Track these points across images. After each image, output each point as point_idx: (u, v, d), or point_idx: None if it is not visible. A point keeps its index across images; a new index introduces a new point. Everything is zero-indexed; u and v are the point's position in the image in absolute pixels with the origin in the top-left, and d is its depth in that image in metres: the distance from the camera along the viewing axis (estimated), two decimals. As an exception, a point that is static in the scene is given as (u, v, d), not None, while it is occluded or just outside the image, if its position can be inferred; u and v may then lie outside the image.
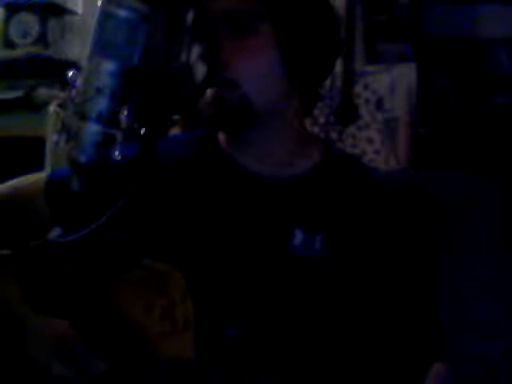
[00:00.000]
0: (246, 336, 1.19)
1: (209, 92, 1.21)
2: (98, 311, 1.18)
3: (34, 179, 1.34)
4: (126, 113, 1.00)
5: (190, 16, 1.21)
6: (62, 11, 2.90)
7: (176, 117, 1.24)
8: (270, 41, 1.23)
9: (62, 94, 1.02)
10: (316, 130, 2.60)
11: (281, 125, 1.27)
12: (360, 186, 1.28)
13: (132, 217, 1.09)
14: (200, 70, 1.18)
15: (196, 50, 1.19)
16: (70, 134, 1.00)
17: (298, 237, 1.23)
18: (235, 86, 1.21)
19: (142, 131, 1.02)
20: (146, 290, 1.17)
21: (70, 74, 1.01)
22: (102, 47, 0.99)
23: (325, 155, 1.31)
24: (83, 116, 0.99)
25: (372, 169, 1.38)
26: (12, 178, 1.35)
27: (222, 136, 1.31)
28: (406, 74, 2.59)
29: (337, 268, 1.23)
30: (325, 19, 1.26)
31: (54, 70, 2.74)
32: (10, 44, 2.84)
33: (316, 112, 2.59)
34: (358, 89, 2.60)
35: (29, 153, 2.52)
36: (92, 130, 0.99)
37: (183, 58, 1.09)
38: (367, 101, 2.60)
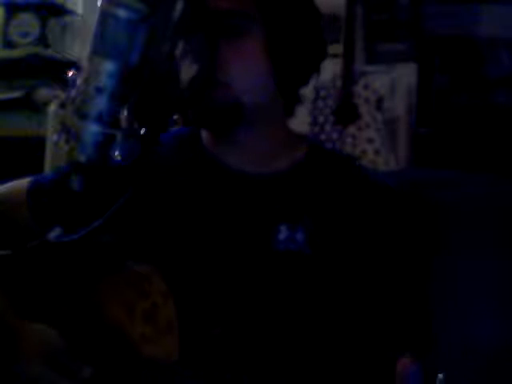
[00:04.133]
0: (231, 333, 1.19)
1: (199, 91, 1.22)
2: (81, 314, 1.18)
3: (14, 186, 1.34)
4: (125, 113, 1.00)
5: (189, 16, 1.21)
6: (61, 11, 2.91)
7: (176, 117, 1.24)
8: (259, 42, 1.24)
9: (62, 94, 1.02)
10: (316, 130, 2.60)
11: (266, 124, 1.28)
12: (344, 183, 1.29)
13: (117, 217, 1.08)
14: (198, 69, 1.18)
15: (194, 50, 1.19)
16: (69, 134, 0.99)
17: (283, 232, 1.24)
18: (226, 86, 1.22)
19: (142, 131, 1.02)
20: (127, 292, 1.17)
21: (70, 74, 1.01)
22: (101, 47, 0.99)
23: (309, 153, 1.31)
24: (83, 116, 0.99)
25: (360, 167, 1.38)
26: (12, 178, 1.35)
27: (205, 135, 1.32)
28: (405, 74, 2.59)
29: (322, 263, 1.23)
30: (312, 22, 1.28)
31: (53, 70, 2.74)
32: (10, 44, 2.84)
33: (316, 112, 2.59)
34: (358, 89, 2.60)
35: (29, 153, 2.53)
36: (92, 130, 0.99)
37: (182, 57, 1.09)
38: (367, 101, 2.60)
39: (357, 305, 1.23)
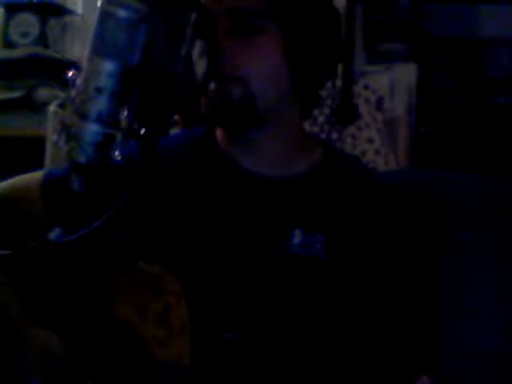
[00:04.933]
0: (243, 339, 1.19)
1: (213, 86, 1.21)
2: (93, 314, 1.18)
3: (28, 180, 1.33)
4: (125, 113, 1.00)
5: (189, 14, 1.21)
6: (61, 11, 2.90)
7: (176, 117, 1.24)
8: (276, 41, 1.23)
9: (62, 94, 1.02)
10: (316, 130, 2.60)
11: (281, 126, 1.27)
12: (359, 186, 1.28)
13: (129, 218, 1.08)
14: (200, 68, 1.18)
15: (195, 48, 1.19)
16: (69, 133, 0.99)
17: (298, 237, 1.23)
18: (241, 83, 1.21)
19: (142, 131, 1.02)
20: (140, 293, 1.16)
21: (70, 74, 1.01)
22: (101, 47, 0.99)
23: (324, 156, 1.31)
24: (83, 116, 0.99)
25: (372, 170, 1.38)
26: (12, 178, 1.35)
27: (220, 135, 1.31)
28: (405, 74, 2.59)
29: (337, 268, 1.22)
30: (330, 23, 1.27)
31: (54, 70, 2.74)
32: (9, 44, 2.84)
33: (316, 112, 2.59)
34: (358, 89, 2.60)
35: (29, 153, 2.52)
36: (92, 130, 0.99)
37: (183, 56, 1.09)
38: (367, 101, 2.60)
39: (372, 310, 1.23)
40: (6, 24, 2.85)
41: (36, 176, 1.33)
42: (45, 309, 1.20)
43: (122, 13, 0.98)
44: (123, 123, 1.00)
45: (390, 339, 1.22)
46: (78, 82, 1.00)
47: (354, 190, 1.27)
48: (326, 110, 2.60)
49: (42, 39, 2.82)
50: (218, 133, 1.31)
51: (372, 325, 1.22)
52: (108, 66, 0.98)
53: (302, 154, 1.29)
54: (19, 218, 1.30)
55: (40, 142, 2.52)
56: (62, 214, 1.23)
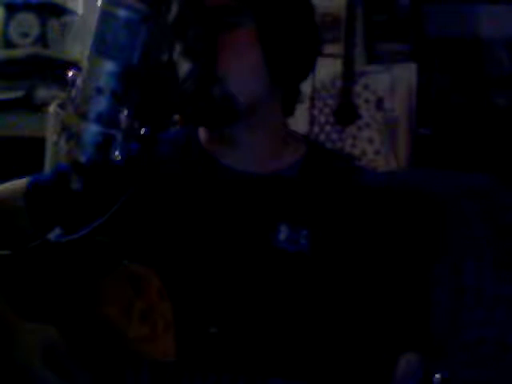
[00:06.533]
0: (228, 332, 1.19)
1: (192, 88, 1.21)
2: (78, 313, 1.18)
3: (11, 188, 1.33)
4: (125, 113, 1.00)
5: (188, 15, 1.21)
6: (61, 11, 2.90)
7: (176, 117, 1.24)
8: (252, 37, 1.23)
9: (62, 94, 1.02)
10: (316, 129, 2.60)
11: (263, 122, 1.28)
12: (344, 182, 1.29)
13: (114, 218, 1.08)
14: (196, 66, 1.18)
15: (192, 46, 1.19)
16: (70, 133, 0.99)
17: (283, 232, 1.24)
18: (219, 82, 1.21)
19: (142, 131, 1.02)
20: (124, 292, 1.17)
21: (70, 74, 1.01)
22: (102, 47, 0.99)
23: (308, 152, 1.31)
24: (83, 116, 0.99)
25: (358, 166, 1.39)
26: (12, 178, 1.35)
27: (203, 134, 1.32)
28: (405, 74, 2.59)
29: (322, 263, 1.23)
30: (304, 15, 1.28)
31: (53, 70, 2.74)
32: (10, 44, 2.84)
33: (316, 112, 2.59)
34: (358, 89, 2.60)
35: (29, 153, 2.52)
36: (92, 130, 0.99)
37: (182, 56, 1.09)
38: (367, 101, 2.60)
39: (356, 305, 1.23)
40: (6, 24, 2.85)
41: (20, 183, 1.32)
42: (31, 309, 1.20)
43: (122, 13, 0.98)
44: (123, 123, 1.00)
45: (375, 327, 1.22)
46: (78, 81, 1.00)
47: (338, 185, 1.28)
48: (326, 110, 2.60)
49: (42, 39, 2.82)
50: (201, 132, 1.32)
51: (357, 316, 1.23)
52: (108, 66, 0.99)
53: (285, 149, 1.30)
54: (3, 226, 1.30)
55: (40, 141, 2.52)
56: (46, 220, 1.23)
